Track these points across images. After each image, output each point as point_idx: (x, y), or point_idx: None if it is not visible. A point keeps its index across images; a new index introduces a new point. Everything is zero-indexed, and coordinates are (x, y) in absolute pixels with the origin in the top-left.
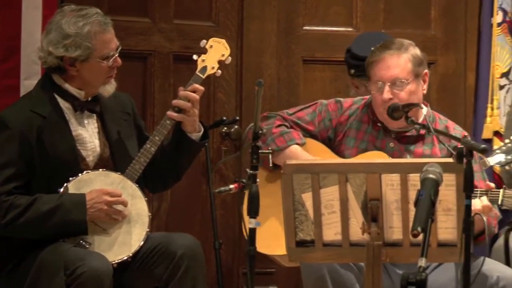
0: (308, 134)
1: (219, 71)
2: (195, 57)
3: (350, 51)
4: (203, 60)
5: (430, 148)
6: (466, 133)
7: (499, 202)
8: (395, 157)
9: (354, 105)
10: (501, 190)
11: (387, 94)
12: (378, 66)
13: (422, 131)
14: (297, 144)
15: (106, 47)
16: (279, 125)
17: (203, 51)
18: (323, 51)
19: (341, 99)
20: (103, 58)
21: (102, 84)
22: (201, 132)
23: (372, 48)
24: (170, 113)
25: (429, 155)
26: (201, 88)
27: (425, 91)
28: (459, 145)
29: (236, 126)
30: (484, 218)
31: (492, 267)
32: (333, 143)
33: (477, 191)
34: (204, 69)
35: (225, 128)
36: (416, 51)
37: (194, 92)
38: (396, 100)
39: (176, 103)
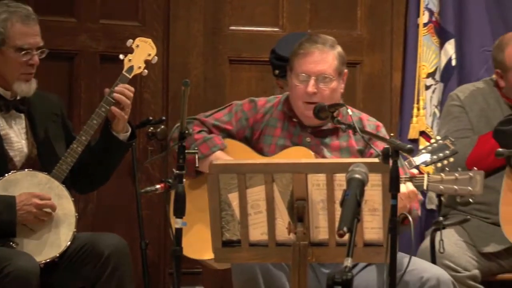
0: (227, 134)
1: (146, 70)
2: (121, 56)
3: (275, 52)
4: (129, 60)
5: (346, 140)
6: (380, 124)
7: (425, 187)
8: (312, 151)
9: (268, 103)
10: (425, 175)
11: (312, 88)
12: (305, 59)
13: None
14: (220, 149)
15: (21, 39)
16: (200, 131)
17: (130, 50)
18: (249, 51)
19: (255, 98)
20: (17, 49)
21: (16, 79)
22: (129, 132)
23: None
24: (113, 107)
25: (346, 147)
26: (132, 88)
27: (342, 90)
28: (371, 140)
29: (162, 126)
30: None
31: (420, 266)
32: (250, 142)
33: (401, 177)
34: (131, 68)
35: (152, 128)
36: (340, 49)
37: (126, 89)
38: (319, 95)
39: (118, 98)
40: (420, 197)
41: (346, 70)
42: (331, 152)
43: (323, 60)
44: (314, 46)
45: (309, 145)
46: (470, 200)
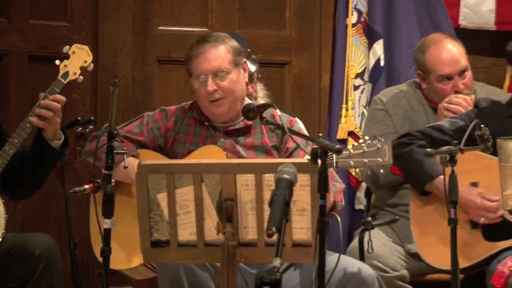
0: (139, 145)
1: (81, 77)
2: (57, 62)
3: None
4: (65, 66)
5: (260, 137)
6: (293, 119)
7: (334, 165)
8: (227, 151)
9: (179, 111)
10: (334, 155)
11: (211, 86)
12: (198, 60)
13: (248, 122)
14: (132, 155)
15: None
16: None
17: (66, 56)
18: (178, 51)
19: (166, 108)
20: None
21: None
22: (62, 140)
23: None
24: (32, 119)
25: (260, 144)
26: (63, 98)
27: (246, 79)
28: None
29: (91, 127)
30: (331, 198)
31: (344, 262)
32: (165, 151)
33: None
34: (66, 74)
35: (80, 128)
36: (233, 42)
37: (55, 101)
38: (220, 91)
39: (38, 112)
40: (342, 185)
41: (244, 60)
42: (246, 150)
43: (214, 56)
44: (204, 45)
45: (223, 145)
46: (381, 171)
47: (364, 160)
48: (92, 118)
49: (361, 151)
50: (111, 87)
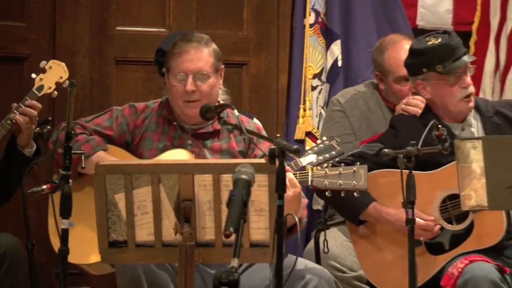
0: (108, 140)
1: (56, 92)
2: (33, 75)
3: (161, 50)
4: (41, 79)
5: (227, 142)
6: (260, 126)
7: (309, 183)
8: (194, 154)
9: (148, 108)
10: (310, 171)
11: (190, 86)
12: (181, 58)
13: (217, 126)
14: (103, 150)
15: None
16: (81, 133)
17: (42, 70)
18: (136, 52)
19: (135, 104)
20: None
21: None
22: (34, 149)
23: None
24: (15, 115)
25: (227, 149)
26: (39, 105)
27: (221, 87)
28: (253, 138)
29: (48, 127)
30: (296, 218)
31: (304, 266)
32: (130, 147)
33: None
34: (41, 87)
35: (38, 128)
36: (215, 46)
37: (31, 107)
38: (198, 93)
39: (13, 117)
40: (305, 200)
41: (222, 66)
42: (212, 154)
43: (199, 57)
44: (189, 44)
45: (190, 147)
46: (355, 194)
47: (339, 181)
48: (50, 118)
49: (337, 172)
50: (69, 88)
